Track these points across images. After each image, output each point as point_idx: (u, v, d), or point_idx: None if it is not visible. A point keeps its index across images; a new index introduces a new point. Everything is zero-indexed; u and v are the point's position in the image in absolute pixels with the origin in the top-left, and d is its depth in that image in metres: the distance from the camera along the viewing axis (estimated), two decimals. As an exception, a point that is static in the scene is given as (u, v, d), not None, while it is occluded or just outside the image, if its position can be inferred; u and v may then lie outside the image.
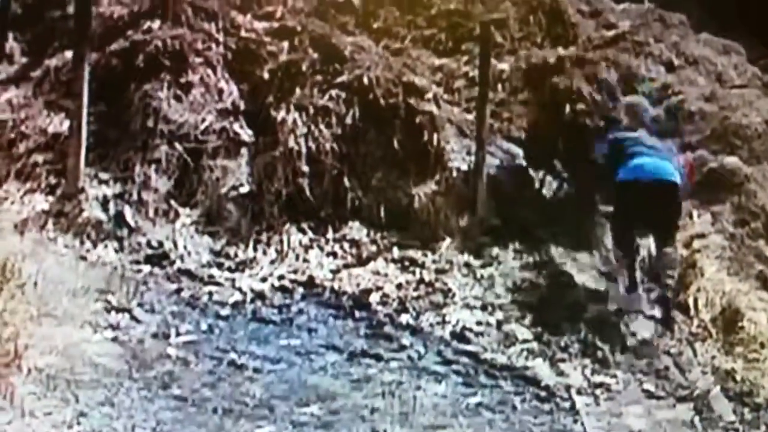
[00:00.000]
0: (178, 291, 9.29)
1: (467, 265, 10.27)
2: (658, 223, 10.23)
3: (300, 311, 9.35)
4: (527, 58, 12.96)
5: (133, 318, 8.68)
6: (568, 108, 11.52)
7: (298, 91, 10.80)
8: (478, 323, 9.54)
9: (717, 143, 12.45)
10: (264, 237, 10.09)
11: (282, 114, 10.62)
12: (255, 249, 9.95)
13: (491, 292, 10.02)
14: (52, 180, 9.97)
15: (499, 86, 12.63)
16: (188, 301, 9.17)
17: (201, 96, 10.62)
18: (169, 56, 10.69)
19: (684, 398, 9.02)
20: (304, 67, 10.98)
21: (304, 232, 10.21)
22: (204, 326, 8.84)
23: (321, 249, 10.13)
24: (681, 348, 9.78)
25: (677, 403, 8.97)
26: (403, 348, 9.04)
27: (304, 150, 10.47)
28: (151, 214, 9.92)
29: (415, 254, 10.26)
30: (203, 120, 10.45)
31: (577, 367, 9.19)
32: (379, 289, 9.74)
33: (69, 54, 10.50)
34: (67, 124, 10.11)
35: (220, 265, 9.72)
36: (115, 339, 8.31)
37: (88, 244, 9.49)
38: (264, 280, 9.63)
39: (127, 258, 9.51)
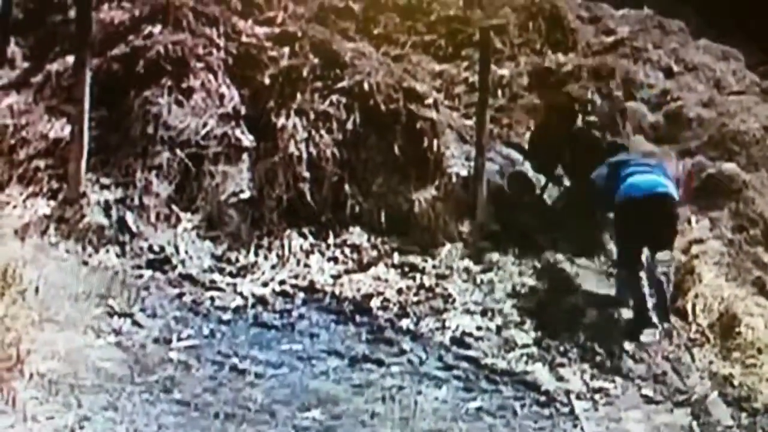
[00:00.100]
0: (180, 296, 9.29)
1: (467, 270, 10.31)
2: (657, 234, 10.22)
3: (301, 316, 9.36)
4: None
5: (135, 323, 8.68)
6: (580, 118, 11.55)
7: (298, 96, 10.82)
8: (478, 328, 9.57)
9: (715, 149, 12.53)
10: (265, 242, 10.10)
11: (283, 119, 10.63)
12: (256, 254, 9.96)
13: (491, 298, 10.05)
14: (54, 185, 9.97)
15: (499, 92, 12.70)
16: (190, 306, 9.17)
17: (202, 101, 10.63)
18: (170, 61, 10.70)
19: (682, 403, 9.06)
20: (304, 73, 10.99)
21: (305, 238, 10.22)
22: (206, 331, 8.85)
23: (322, 254, 10.15)
24: (679, 353, 9.82)
25: (675, 408, 9.00)
26: (403, 353, 9.06)
27: (304, 155, 10.49)
28: (152, 219, 9.92)
29: (416, 259, 10.29)
30: (204, 125, 10.45)
31: (576, 372, 9.22)
32: (379, 294, 9.76)
33: (70, 59, 10.51)
34: (68, 129, 10.11)
35: (221, 270, 9.72)
36: (117, 344, 8.31)
37: (89, 249, 9.48)
38: (265, 285, 9.64)
39: (129, 263, 9.51)
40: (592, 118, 11.63)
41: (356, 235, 10.37)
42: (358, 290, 9.77)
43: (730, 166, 12.10)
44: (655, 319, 9.82)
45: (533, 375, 9.06)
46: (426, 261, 10.30)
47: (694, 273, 10.56)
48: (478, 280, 10.24)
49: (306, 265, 9.98)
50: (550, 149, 11.54)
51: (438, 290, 9.97)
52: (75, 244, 9.48)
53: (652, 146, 12.57)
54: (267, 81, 10.94)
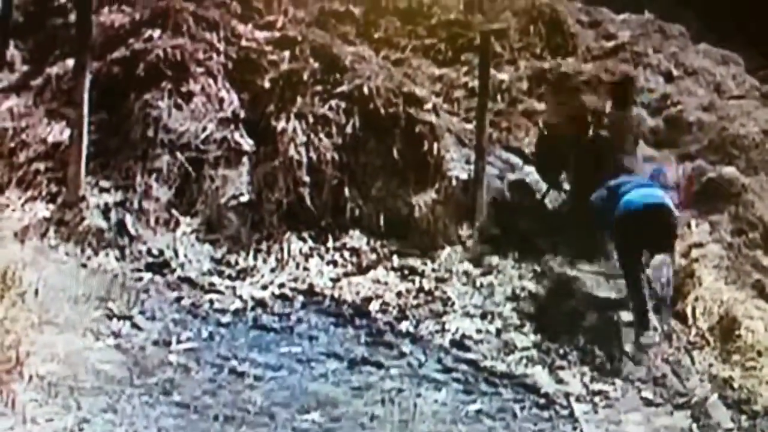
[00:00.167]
0: (179, 299, 9.30)
1: (467, 273, 10.31)
2: (657, 242, 10.20)
3: (300, 319, 9.36)
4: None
5: (135, 325, 8.69)
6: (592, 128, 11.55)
7: (298, 100, 10.81)
8: (478, 331, 9.57)
9: (715, 154, 12.53)
10: (264, 245, 10.10)
11: (282, 123, 10.63)
12: (255, 257, 9.96)
13: (491, 301, 10.05)
14: (53, 188, 9.98)
15: (499, 96, 12.70)
16: (189, 308, 9.18)
17: (202, 105, 10.63)
18: (170, 65, 10.71)
19: (682, 406, 9.06)
20: (304, 77, 10.99)
21: (304, 241, 10.22)
22: (205, 334, 8.85)
23: (321, 257, 10.15)
24: (679, 356, 9.81)
25: (675, 411, 9.00)
26: (403, 356, 9.06)
27: (304, 159, 10.49)
28: (152, 222, 9.93)
29: (415, 263, 10.29)
30: (204, 129, 10.46)
31: (576, 375, 9.22)
32: (379, 297, 9.76)
33: (70, 62, 10.54)
34: (68, 132, 10.12)
35: (220, 273, 9.73)
36: (116, 346, 8.32)
37: (89, 252, 9.49)
38: (264, 288, 9.64)
39: (128, 266, 9.51)
40: (604, 131, 11.58)
41: (356, 238, 10.37)
42: (358, 293, 9.77)
43: (729, 170, 12.10)
44: (655, 322, 9.81)
45: (533, 377, 9.06)
46: (425, 264, 10.30)
47: (694, 276, 10.56)
48: (478, 284, 10.24)
49: (305, 269, 9.98)
50: (556, 156, 11.54)
51: (437, 293, 9.97)
52: (74, 247, 9.49)
53: (652, 151, 12.57)
54: (267, 85, 10.95)
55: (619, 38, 14.62)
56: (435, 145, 10.91)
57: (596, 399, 8.94)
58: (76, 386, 7.55)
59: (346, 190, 10.55)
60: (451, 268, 10.32)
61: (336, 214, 10.50)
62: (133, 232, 9.79)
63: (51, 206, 9.80)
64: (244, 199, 10.32)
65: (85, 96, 9.94)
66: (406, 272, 10.16)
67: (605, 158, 11.18)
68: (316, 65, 11.14)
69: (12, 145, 10.27)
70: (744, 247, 11.40)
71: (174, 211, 10.07)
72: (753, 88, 14.41)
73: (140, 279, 9.40)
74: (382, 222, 10.52)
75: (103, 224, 9.75)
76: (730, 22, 15.42)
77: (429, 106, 11.17)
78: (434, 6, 13.96)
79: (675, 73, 14.14)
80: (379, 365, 8.83)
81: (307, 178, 10.45)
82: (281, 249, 10.07)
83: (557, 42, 14.08)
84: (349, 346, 9.07)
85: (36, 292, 8.25)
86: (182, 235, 9.94)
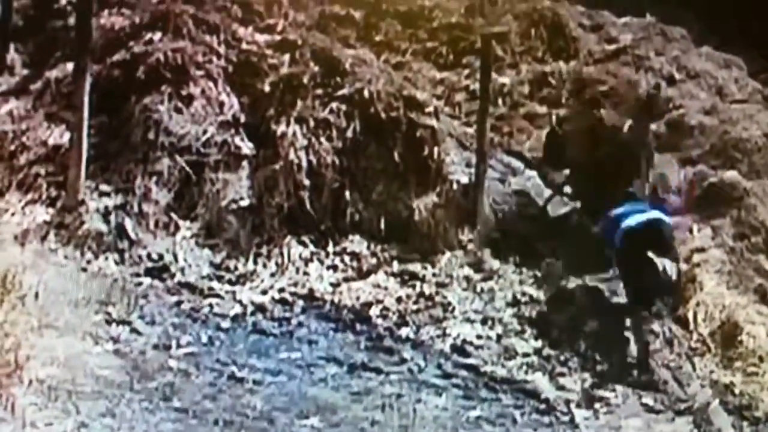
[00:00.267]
0: (179, 303, 9.29)
1: (467, 278, 10.29)
2: (656, 247, 10.18)
3: (300, 324, 9.35)
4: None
5: (134, 330, 8.68)
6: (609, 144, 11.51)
7: (299, 104, 10.80)
8: (478, 337, 9.56)
9: (717, 158, 12.50)
10: (264, 250, 10.08)
11: (283, 127, 10.62)
12: (255, 262, 9.95)
13: (491, 306, 10.04)
14: (53, 192, 9.96)
15: (500, 100, 12.69)
16: (189, 313, 9.17)
17: (202, 108, 10.62)
18: (170, 68, 10.69)
19: (683, 412, 9.05)
20: (305, 80, 10.97)
21: (304, 245, 10.21)
22: (204, 338, 8.85)
23: (321, 262, 10.14)
24: (680, 362, 9.80)
25: (676, 417, 8.99)
26: (403, 361, 9.06)
27: (304, 163, 10.48)
28: (151, 226, 9.91)
29: (416, 267, 10.27)
30: (204, 132, 10.44)
31: (576, 381, 9.20)
32: (379, 302, 9.75)
33: (70, 66, 10.52)
34: (67, 135, 10.11)
35: (220, 278, 9.72)
36: (116, 351, 8.32)
37: (88, 256, 9.48)
38: (264, 292, 9.63)
39: (128, 270, 9.50)
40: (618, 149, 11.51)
41: (356, 243, 10.36)
42: (358, 298, 9.76)
43: (731, 174, 12.07)
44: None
45: (533, 383, 9.06)
46: (426, 269, 10.29)
47: (695, 281, 10.55)
48: (479, 289, 10.22)
49: (305, 273, 9.97)
50: (564, 155, 11.53)
51: (438, 299, 9.96)
52: (74, 251, 9.49)
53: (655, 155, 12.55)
54: (267, 88, 10.93)
55: (620, 41, 14.57)
56: (436, 149, 10.90)
57: (597, 405, 8.92)
58: (75, 390, 7.55)
59: (347, 194, 10.54)
60: (451, 272, 10.30)
61: (336, 218, 10.49)
62: (132, 235, 9.77)
63: (51, 210, 9.79)
64: (244, 203, 10.30)
65: (85, 99, 9.92)
66: (406, 277, 10.14)
67: (614, 180, 11.13)
68: (317, 69, 11.12)
69: (12, 148, 10.25)
70: (746, 252, 11.38)
71: (174, 215, 10.06)
72: (755, 92, 14.37)
73: (140, 283, 9.40)
74: (382, 226, 10.50)
75: (103, 228, 9.74)
76: (733, 25, 15.40)
77: (430, 109, 11.16)
78: (435, 9, 13.93)
79: (677, 76, 14.10)
80: (378, 370, 8.82)
81: (307, 182, 10.44)
82: (281, 253, 10.06)
83: (559, 45, 14.06)
84: (349, 351, 9.06)
85: (36, 295, 8.24)
86: (182, 239, 9.93)
